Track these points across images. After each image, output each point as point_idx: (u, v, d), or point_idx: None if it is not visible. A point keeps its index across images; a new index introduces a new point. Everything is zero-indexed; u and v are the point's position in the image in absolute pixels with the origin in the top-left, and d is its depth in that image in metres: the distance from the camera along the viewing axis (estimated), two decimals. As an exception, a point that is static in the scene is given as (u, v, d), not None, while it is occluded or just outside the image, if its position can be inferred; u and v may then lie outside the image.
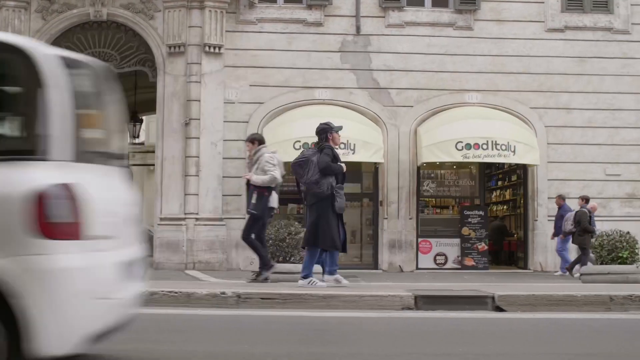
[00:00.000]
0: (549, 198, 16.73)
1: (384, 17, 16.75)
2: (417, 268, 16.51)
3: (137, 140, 23.02)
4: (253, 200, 9.78)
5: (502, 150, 15.73)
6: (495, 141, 15.72)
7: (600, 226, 16.55)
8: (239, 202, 16.22)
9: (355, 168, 16.84)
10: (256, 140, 10.31)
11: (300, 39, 16.61)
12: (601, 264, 13.06)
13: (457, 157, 15.75)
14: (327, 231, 9.03)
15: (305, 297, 7.23)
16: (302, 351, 4.93)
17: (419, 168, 16.77)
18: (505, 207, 19.56)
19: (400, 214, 16.40)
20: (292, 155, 15.34)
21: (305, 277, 9.04)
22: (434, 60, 16.75)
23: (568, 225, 15.15)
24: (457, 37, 16.83)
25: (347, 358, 4.70)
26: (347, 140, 15.47)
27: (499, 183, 19.73)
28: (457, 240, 16.62)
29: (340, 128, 9.79)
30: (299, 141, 15.51)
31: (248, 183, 10.17)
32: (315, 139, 15.41)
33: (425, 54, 16.74)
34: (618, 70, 17.05)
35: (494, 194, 20.07)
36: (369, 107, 16.57)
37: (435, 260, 16.59)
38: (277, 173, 9.83)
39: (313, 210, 9.16)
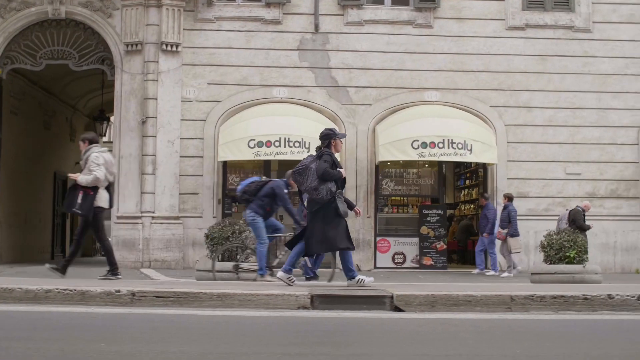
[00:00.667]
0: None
1: (342, 15, 16.70)
2: (375, 267, 16.45)
3: (104, 139, 22.98)
4: (79, 200, 9.66)
5: (459, 149, 15.66)
6: (452, 140, 15.66)
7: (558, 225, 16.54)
8: (196, 201, 16.22)
9: (314, 166, 16.80)
10: (87, 140, 10.13)
11: (258, 37, 16.58)
12: (550, 263, 12.99)
13: (413, 155, 15.70)
14: (338, 232, 9.12)
15: (200, 295, 7.17)
16: (143, 349, 4.90)
17: (377, 167, 16.72)
18: (472, 206, 19.48)
19: (358, 213, 16.30)
20: (245, 154, 15.49)
21: (352, 278, 9.12)
22: (393, 59, 16.69)
23: (562, 224, 14.96)
24: (416, 35, 16.77)
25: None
26: (302, 139, 15.46)
27: (467, 182, 19.66)
28: (415, 240, 16.55)
29: (344, 136, 9.87)
30: (254, 139, 15.49)
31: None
32: (274, 138, 15.53)
33: (385, 52, 16.69)
34: (579, 69, 16.95)
35: (463, 192, 20.01)
36: (327, 105, 16.52)
37: (393, 259, 16.53)
38: (101, 173, 9.66)
39: (318, 216, 9.13)
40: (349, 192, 16.31)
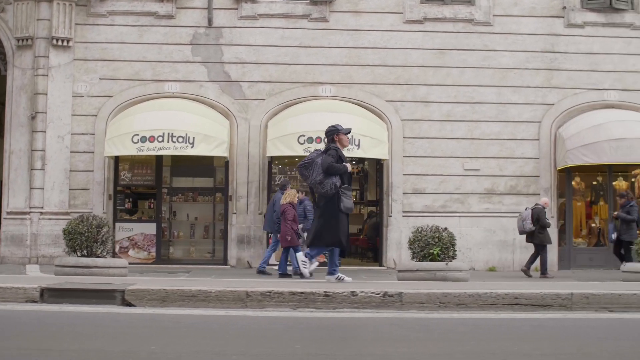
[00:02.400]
0: (404, 193, 16.39)
1: (237, 9, 16.52)
2: (268, 264, 16.23)
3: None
4: None
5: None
6: (338, 135, 15.38)
7: (458, 222, 16.30)
8: (87, 196, 16.12)
9: (208, 162, 16.71)
10: None
11: (151, 32, 16.44)
12: (418, 260, 12.73)
13: (299, 151, 15.45)
14: (333, 229, 9.22)
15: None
16: None
17: (270, 162, 16.53)
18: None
19: (249, 209, 16.17)
20: (129, 149, 15.36)
21: (332, 274, 9.44)
22: (288, 53, 16.49)
23: (528, 224, 14.64)
24: (312, 29, 16.55)
25: None
26: (186, 134, 15.31)
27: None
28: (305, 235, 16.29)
29: (348, 130, 9.92)
30: (137, 135, 15.36)
31: None
32: (157, 133, 15.39)
33: (279, 46, 16.48)
34: (478, 63, 16.66)
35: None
36: (220, 100, 16.35)
37: (286, 256, 16.28)
38: None
39: (321, 211, 9.34)
40: (240, 188, 16.20)
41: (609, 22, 16.90)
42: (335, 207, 9.16)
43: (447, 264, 12.16)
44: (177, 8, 16.46)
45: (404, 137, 16.44)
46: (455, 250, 12.20)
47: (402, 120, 16.46)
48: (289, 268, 13.38)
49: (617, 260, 14.17)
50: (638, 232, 14.18)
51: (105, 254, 11.85)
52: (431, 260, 12.32)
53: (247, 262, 16.05)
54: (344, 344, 5.32)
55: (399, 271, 12.92)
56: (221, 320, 6.44)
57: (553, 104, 16.71)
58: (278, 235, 13.49)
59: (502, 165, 16.59)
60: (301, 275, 11.35)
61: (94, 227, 11.90)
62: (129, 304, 7.14)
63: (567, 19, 16.83)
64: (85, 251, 11.44)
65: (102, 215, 15.71)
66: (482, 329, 6.16)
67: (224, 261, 16.25)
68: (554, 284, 8.58)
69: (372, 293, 7.08)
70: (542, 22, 16.83)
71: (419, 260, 12.24)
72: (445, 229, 12.78)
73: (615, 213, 14.00)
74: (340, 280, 9.52)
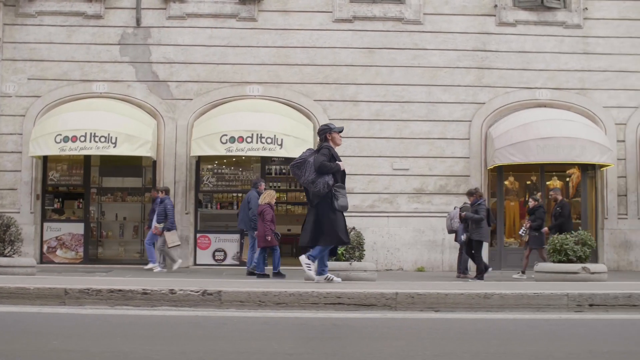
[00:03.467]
0: (332, 193, 16.28)
1: (165, 9, 16.51)
2: (195, 264, 16.25)
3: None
4: None
5: (267, 143, 15.37)
6: (261, 134, 15.37)
7: (386, 222, 16.23)
8: (15, 196, 16.14)
9: (137, 162, 16.71)
10: None
11: (80, 32, 16.45)
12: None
13: (222, 150, 15.44)
14: (332, 227, 9.16)
15: None
16: None
17: (198, 162, 16.51)
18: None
19: (176, 209, 16.12)
20: (52, 149, 15.36)
21: (321, 274, 9.37)
22: (216, 53, 16.46)
23: (455, 223, 14.50)
24: (240, 28, 16.52)
25: None
26: (109, 134, 15.30)
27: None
28: (236, 236, 16.28)
29: (341, 129, 9.80)
30: (60, 135, 15.36)
31: None
32: (80, 133, 15.38)
33: (207, 46, 16.46)
34: (408, 62, 16.57)
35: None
36: (147, 100, 16.34)
37: (214, 256, 16.29)
38: None
39: (316, 209, 9.23)
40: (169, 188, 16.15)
41: (541, 20, 16.78)
42: (330, 206, 9.08)
43: (350, 263, 12.08)
44: (106, 8, 16.47)
45: (332, 137, 16.32)
46: (363, 250, 12.13)
47: (330, 119, 16.37)
48: (268, 268, 13.31)
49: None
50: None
51: (12, 253, 11.85)
52: (336, 260, 12.26)
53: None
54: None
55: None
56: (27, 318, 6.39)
57: (484, 103, 16.60)
58: (255, 233, 13.36)
59: (431, 164, 16.49)
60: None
61: (1, 226, 11.92)
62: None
63: (498, 17, 16.72)
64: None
65: (29, 215, 15.84)
66: (281, 328, 6.10)
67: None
68: (386, 284, 8.50)
69: (191, 291, 7.03)
70: (474, 21, 16.73)
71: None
72: (353, 228, 12.70)
73: (464, 213, 13.85)
74: (329, 280, 9.35)
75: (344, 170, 9.42)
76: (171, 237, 14.57)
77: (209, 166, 16.89)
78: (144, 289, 7.06)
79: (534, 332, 6.12)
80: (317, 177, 9.06)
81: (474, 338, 5.73)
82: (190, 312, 6.97)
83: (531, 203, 14.71)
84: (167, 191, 14.98)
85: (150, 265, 14.91)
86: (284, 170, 17.18)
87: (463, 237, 13.79)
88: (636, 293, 7.37)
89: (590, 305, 7.35)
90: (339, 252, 12.26)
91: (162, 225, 14.59)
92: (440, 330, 6.16)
